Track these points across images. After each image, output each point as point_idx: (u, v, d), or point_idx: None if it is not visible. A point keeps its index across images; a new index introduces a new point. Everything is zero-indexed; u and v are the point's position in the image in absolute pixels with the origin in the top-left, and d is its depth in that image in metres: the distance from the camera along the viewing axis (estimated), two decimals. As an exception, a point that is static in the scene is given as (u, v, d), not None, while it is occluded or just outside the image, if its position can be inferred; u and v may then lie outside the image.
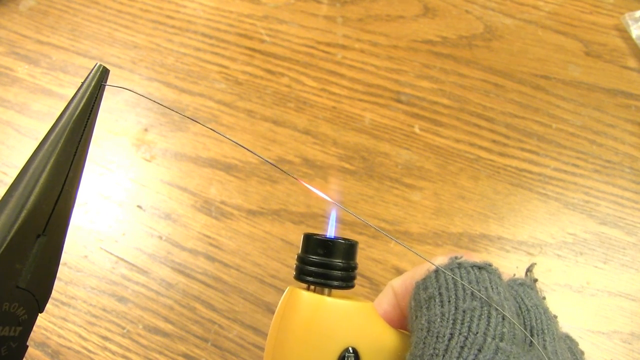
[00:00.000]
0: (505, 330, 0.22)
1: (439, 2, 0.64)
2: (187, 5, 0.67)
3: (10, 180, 0.21)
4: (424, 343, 0.22)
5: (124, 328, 0.46)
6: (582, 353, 0.26)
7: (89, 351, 0.45)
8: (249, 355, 0.44)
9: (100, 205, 0.53)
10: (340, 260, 0.25)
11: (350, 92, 0.58)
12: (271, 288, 0.47)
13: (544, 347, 0.24)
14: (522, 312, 0.25)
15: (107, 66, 0.24)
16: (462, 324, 0.22)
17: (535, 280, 0.27)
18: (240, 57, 0.61)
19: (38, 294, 0.22)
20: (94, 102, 0.23)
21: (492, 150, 0.53)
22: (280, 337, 0.25)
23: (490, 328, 0.22)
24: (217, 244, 0.50)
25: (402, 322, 0.27)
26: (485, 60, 0.59)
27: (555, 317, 0.26)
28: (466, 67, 0.59)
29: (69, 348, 0.45)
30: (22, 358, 0.22)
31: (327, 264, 0.25)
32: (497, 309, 0.23)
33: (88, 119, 0.23)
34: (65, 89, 0.61)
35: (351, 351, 0.24)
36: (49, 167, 0.21)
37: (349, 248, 0.26)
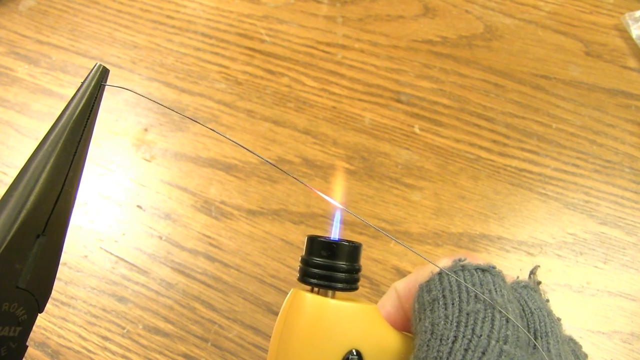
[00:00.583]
0: (509, 333, 0.22)
1: (439, 2, 0.64)
2: (187, 5, 0.67)
3: (10, 180, 0.21)
4: (427, 345, 0.22)
5: (124, 328, 0.46)
6: (586, 356, 0.26)
7: (89, 351, 0.45)
8: (249, 355, 0.44)
9: (100, 205, 0.53)
10: (344, 263, 0.25)
11: (350, 92, 0.58)
12: (271, 288, 0.47)
13: (548, 350, 0.24)
14: (525, 315, 0.25)
15: (107, 66, 0.24)
16: (466, 326, 0.22)
17: (539, 283, 0.27)
18: (240, 57, 0.61)
19: (38, 294, 0.22)
20: (94, 102, 0.23)
21: (492, 150, 0.53)
22: (283, 339, 0.25)
23: (494, 331, 0.22)
24: (217, 244, 0.50)
25: (405, 325, 0.27)
26: (485, 60, 0.59)
27: (559, 319, 0.26)
28: (466, 67, 0.59)
29: (68, 348, 0.45)
30: (22, 358, 0.22)
31: (330, 266, 0.25)
32: (500, 312, 0.23)
33: (88, 119, 0.23)
34: (65, 89, 0.61)
35: (355, 353, 0.24)
36: (48, 167, 0.21)
37: (353, 250, 0.26)
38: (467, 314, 0.23)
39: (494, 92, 0.57)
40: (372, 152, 0.54)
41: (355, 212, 0.50)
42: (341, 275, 0.25)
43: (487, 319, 0.22)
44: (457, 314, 0.23)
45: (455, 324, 0.22)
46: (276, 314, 0.46)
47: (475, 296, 0.23)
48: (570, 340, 0.26)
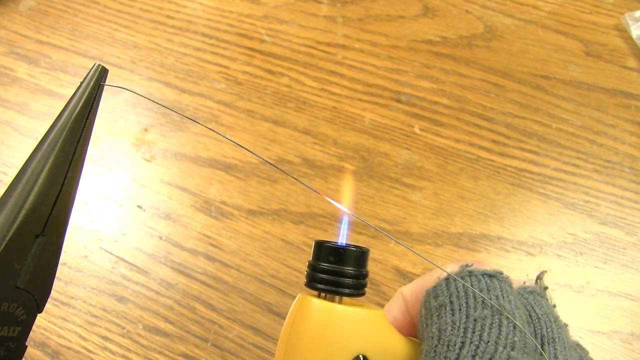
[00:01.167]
0: (516, 339, 0.22)
1: (439, 2, 0.64)
2: (187, 5, 0.67)
3: (10, 180, 0.21)
4: (434, 351, 0.22)
5: (124, 328, 0.46)
6: None
7: (89, 351, 0.45)
8: (248, 355, 0.44)
9: (100, 205, 0.53)
10: (351, 268, 0.25)
11: (350, 92, 0.58)
12: (271, 288, 0.47)
13: (555, 356, 0.24)
14: (532, 321, 0.25)
15: (107, 66, 0.24)
16: (474, 332, 0.22)
17: (546, 288, 0.27)
18: (240, 57, 0.61)
19: (37, 294, 0.22)
20: (93, 102, 0.23)
21: (492, 150, 0.53)
22: (290, 344, 0.25)
23: (501, 337, 0.22)
24: (217, 244, 0.50)
25: (412, 330, 0.27)
26: (485, 60, 0.59)
27: (566, 325, 0.26)
28: (466, 67, 0.59)
29: (68, 348, 0.45)
30: (21, 358, 0.22)
31: (338, 271, 0.25)
32: (508, 318, 0.23)
33: (87, 118, 0.23)
34: (65, 89, 0.61)
35: (361, 359, 0.24)
36: (47, 167, 0.21)
37: (361, 256, 0.26)
38: (475, 320, 0.23)
39: (494, 92, 0.57)
40: (372, 152, 0.54)
41: (355, 212, 0.50)
42: (348, 280, 0.25)
43: (494, 325, 0.22)
44: (465, 320, 0.23)
45: (462, 330, 0.22)
46: (276, 314, 0.46)
47: (483, 302, 0.23)
48: (577, 346, 0.26)
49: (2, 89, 0.61)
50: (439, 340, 0.23)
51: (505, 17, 0.62)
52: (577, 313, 0.45)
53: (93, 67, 0.23)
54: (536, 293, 0.26)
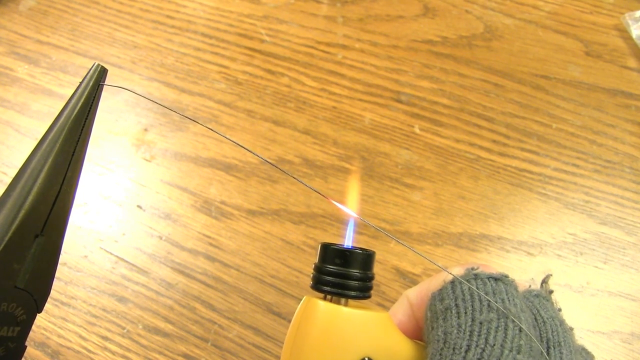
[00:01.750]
0: (522, 342, 0.22)
1: (439, 2, 0.64)
2: (187, 5, 0.67)
3: (9, 180, 0.21)
4: (440, 354, 0.22)
5: (124, 328, 0.46)
6: None
7: (89, 351, 0.45)
8: (248, 355, 0.44)
9: (100, 205, 0.53)
10: (357, 271, 0.25)
11: (350, 92, 0.58)
12: (271, 288, 0.47)
13: None
14: (538, 324, 0.25)
15: (107, 66, 0.24)
16: (479, 335, 0.22)
17: (551, 292, 0.27)
18: (240, 57, 0.61)
19: (36, 294, 0.22)
20: (92, 102, 0.23)
21: (492, 150, 0.53)
22: (296, 346, 0.25)
23: (507, 340, 0.22)
24: (217, 244, 0.50)
25: (417, 333, 0.27)
26: (485, 60, 0.59)
27: (572, 329, 0.26)
28: (466, 67, 0.59)
29: (68, 348, 0.45)
30: (21, 358, 0.22)
31: (344, 274, 0.25)
32: (514, 321, 0.23)
33: (86, 118, 0.23)
34: (65, 89, 0.61)
35: None
36: (47, 167, 0.21)
37: (367, 258, 0.26)
38: (480, 323, 0.23)
39: (494, 92, 0.57)
40: (372, 152, 0.54)
41: (356, 213, 0.50)
42: (354, 283, 0.25)
43: (500, 328, 0.22)
44: (470, 323, 0.23)
45: (468, 333, 0.22)
46: (276, 314, 0.46)
47: (488, 305, 0.23)
48: (583, 350, 0.26)
49: (2, 89, 0.61)
50: (444, 343, 0.23)
51: (505, 17, 0.62)
52: (577, 313, 0.45)
53: (92, 67, 0.23)
54: (541, 296, 0.26)
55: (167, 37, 0.64)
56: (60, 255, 0.23)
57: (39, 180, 0.21)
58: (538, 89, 0.57)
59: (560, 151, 0.53)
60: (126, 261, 0.49)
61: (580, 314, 0.45)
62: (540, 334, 0.24)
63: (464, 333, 0.22)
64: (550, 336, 0.24)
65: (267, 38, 0.63)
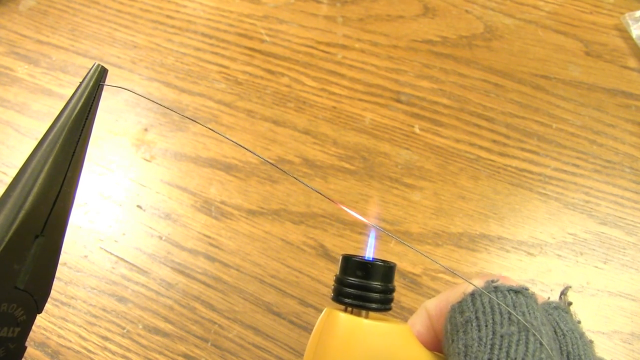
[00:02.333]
0: (543, 356, 0.22)
1: (439, 2, 0.64)
2: (187, 5, 0.67)
3: (9, 180, 0.21)
4: None
5: (124, 328, 0.46)
6: None
7: (89, 351, 0.45)
8: (249, 355, 0.44)
9: (100, 205, 0.53)
10: (378, 283, 0.25)
11: (350, 92, 0.58)
12: (271, 288, 0.47)
13: None
14: (558, 337, 0.25)
15: (107, 66, 0.24)
16: (500, 349, 0.22)
17: (570, 304, 0.27)
18: (240, 57, 0.61)
19: (36, 295, 0.22)
20: (92, 102, 0.23)
21: (492, 150, 0.53)
22: (317, 357, 0.25)
23: (528, 354, 0.22)
24: (217, 244, 0.50)
25: (436, 345, 0.27)
26: (485, 60, 0.59)
27: (592, 342, 0.26)
28: (466, 67, 0.59)
29: (68, 348, 0.45)
30: (21, 359, 0.22)
31: (365, 286, 0.25)
32: (534, 335, 0.22)
33: (86, 118, 0.23)
34: (65, 89, 0.61)
35: None
36: (47, 167, 0.21)
37: (388, 271, 0.26)
38: (502, 337, 0.22)
39: (494, 92, 0.57)
40: (372, 152, 0.54)
41: (355, 212, 0.50)
42: (376, 295, 0.25)
43: (521, 341, 0.22)
44: (491, 336, 0.23)
45: (489, 347, 0.22)
46: (276, 314, 0.46)
47: (509, 318, 0.23)
48: None
49: (2, 89, 0.61)
50: (465, 356, 0.23)
51: (505, 17, 0.62)
52: (577, 313, 0.45)
53: (93, 67, 0.23)
54: (561, 309, 0.26)
55: (167, 37, 0.64)
56: (60, 255, 0.23)
57: (39, 181, 0.21)
58: (538, 89, 0.57)
59: (560, 151, 0.53)
60: (126, 261, 0.49)
61: (580, 314, 0.45)
62: (561, 347, 0.24)
63: (484, 346, 0.22)
64: (571, 349, 0.24)
65: (267, 38, 0.63)
